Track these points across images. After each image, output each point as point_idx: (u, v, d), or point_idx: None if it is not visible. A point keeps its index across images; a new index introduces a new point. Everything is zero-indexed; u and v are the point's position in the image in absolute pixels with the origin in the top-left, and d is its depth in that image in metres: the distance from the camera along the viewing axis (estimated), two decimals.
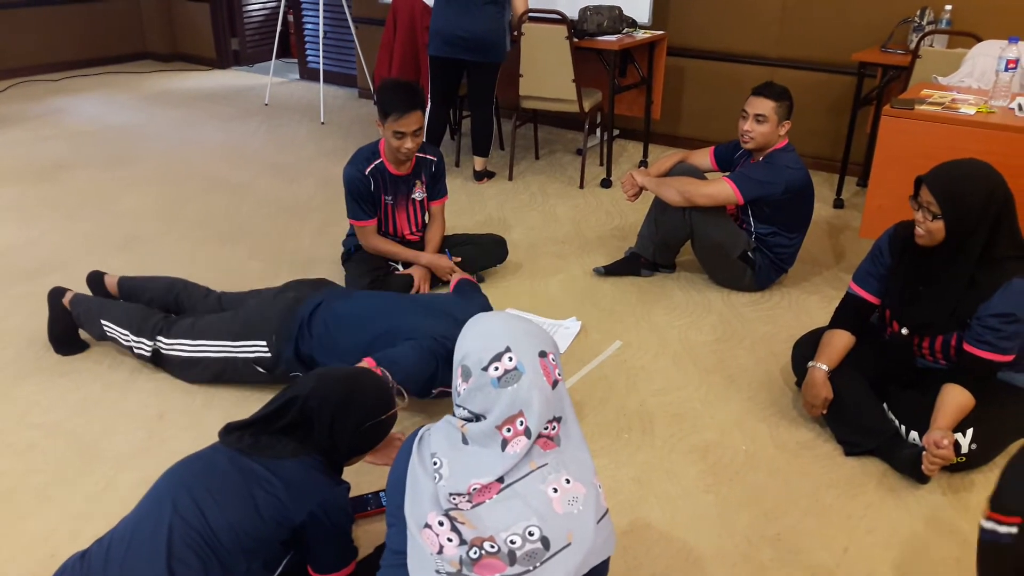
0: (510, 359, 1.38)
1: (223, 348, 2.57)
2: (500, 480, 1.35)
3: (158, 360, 2.68)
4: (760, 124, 3.11)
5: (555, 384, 1.40)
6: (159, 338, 2.63)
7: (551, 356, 1.42)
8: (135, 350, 2.69)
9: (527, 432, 1.36)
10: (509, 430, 1.36)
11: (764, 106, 3.10)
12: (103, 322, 2.73)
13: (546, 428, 1.38)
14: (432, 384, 2.38)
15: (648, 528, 2.10)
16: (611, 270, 3.50)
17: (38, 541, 2.03)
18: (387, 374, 1.96)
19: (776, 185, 3.12)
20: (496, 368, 1.38)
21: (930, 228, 2.21)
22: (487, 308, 2.67)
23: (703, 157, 3.50)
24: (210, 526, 1.55)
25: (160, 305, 2.82)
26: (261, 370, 2.56)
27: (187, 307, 2.80)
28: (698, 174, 3.35)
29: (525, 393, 1.36)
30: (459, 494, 1.36)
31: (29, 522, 2.10)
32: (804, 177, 3.17)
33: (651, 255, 3.45)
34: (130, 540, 1.57)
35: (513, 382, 1.37)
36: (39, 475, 2.27)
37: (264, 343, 2.52)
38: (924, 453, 2.17)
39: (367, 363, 2.27)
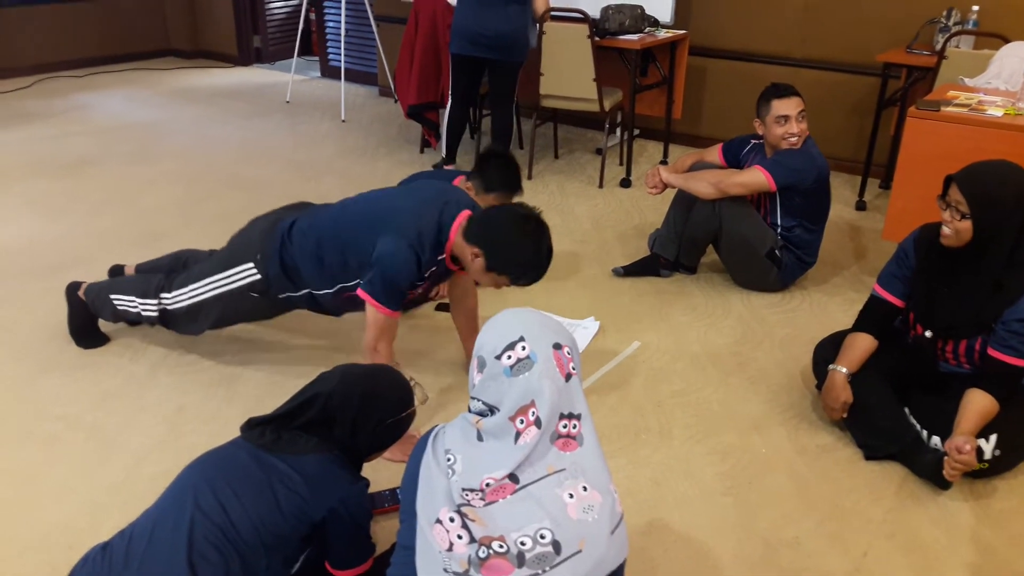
0: (523, 348, 1.38)
1: (216, 282, 2.57)
2: (515, 480, 1.34)
3: (166, 319, 2.70)
4: (803, 120, 3.15)
5: (568, 377, 1.39)
6: (162, 295, 2.66)
7: (566, 349, 1.41)
8: (143, 314, 2.71)
9: (538, 422, 1.35)
10: (522, 421, 1.35)
11: (799, 103, 3.14)
12: (112, 296, 2.75)
13: (564, 427, 1.37)
14: (420, 268, 2.31)
15: (665, 529, 2.09)
16: (630, 270, 3.49)
17: (58, 532, 2.05)
18: (404, 370, 1.96)
19: (809, 172, 3.13)
20: (509, 357, 1.38)
21: (958, 228, 2.18)
22: (463, 193, 2.51)
23: (713, 155, 3.51)
24: (231, 521, 1.56)
25: (169, 273, 2.84)
26: (255, 295, 2.55)
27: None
28: None
29: (536, 382, 1.35)
30: (472, 490, 1.35)
31: (49, 513, 2.12)
32: (828, 166, 3.21)
33: (673, 255, 3.43)
34: (151, 534, 1.58)
35: (525, 371, 1.36)
36: (60, 467, 2.30)
37: (251, 264, 2.52)
38: (946, 458, 2.15)
39: (359, 295, 2.30)
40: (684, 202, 3.34)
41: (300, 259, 2.47)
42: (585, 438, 1.39)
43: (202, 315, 2.63)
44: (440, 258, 2.36)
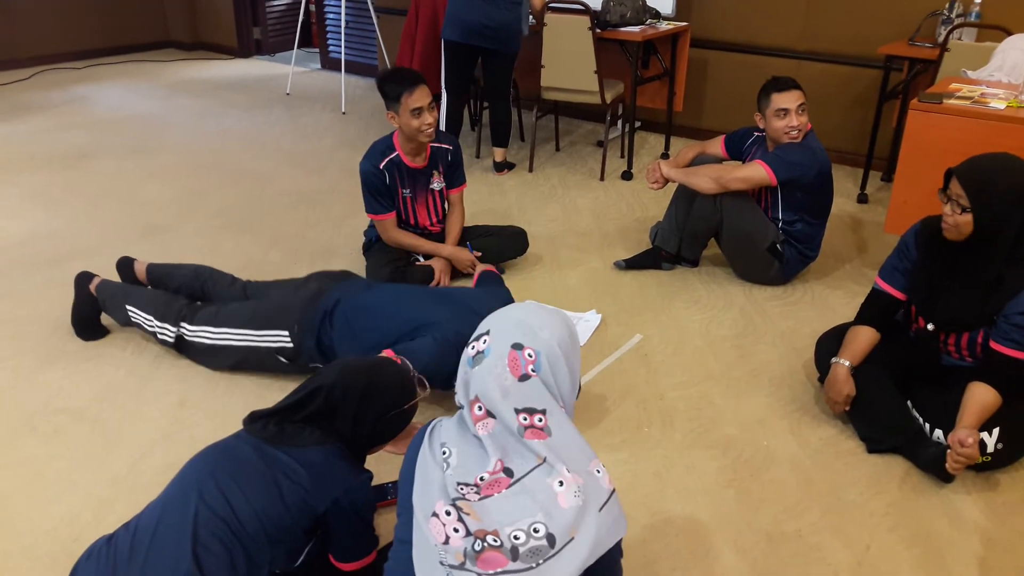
0: (484, 342, 1.43)
1: (245, 337, 2.58)
2: (510, 474, 1.36)
3: (181, 346, 2.70)
4: (804, 113, 3.14)
5: (524, 378, 1.39)
6: (183, 325, 2.65)
7: (528, 352, 1.40)
8: (159, 336, 2.71)
9: (489, 414, 1.39)
10: (480, 408, 1.40)
11: (800, 96, 3.13)
12: (128, 308, 2.76)
13: (525, 419, 1.38)
14: (453, 377, 2.37)
15: (667, 522, 2.09)
16: (632, 263, 3.48)
17: (62, 525, 2.06)
18: (407, 363, 1.96)
19: (810, 167, 3.12)
20: (472, 348, 1.45)
21: (958, 221, 2.18)
22: (509, 301, 2.66)
23: (715, 147, 3.50)
24: (235, 514, 1.56)
25: (187, 292, 2.85)
26: (283, 359, 2.57)
27: (212, 295, 2.82)
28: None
29: (481, 376, 1.40)
30: (466, 484, 1.37)
31: (53, 506, 2.12)
32: (829, 160, 3.20)
33: (675, 248, 3.43)
34: (156, 526, 1.58)
35: (478, 364, 1.42)
36: (63, 460, 2.30)
37: (286, 333, 2.54)
38: (948, 451, 2.15)
39: (387, 354, 2.27)
40: (685, 196, 3.33)
41: (338, 342, 2.50)
42: (553, 429, 1.39)
43: (221, 356, 2.65)
44: None
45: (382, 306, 2.52)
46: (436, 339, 2.36)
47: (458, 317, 2.45)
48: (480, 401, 1.40)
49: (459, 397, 1.47)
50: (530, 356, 1.41)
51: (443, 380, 2.35)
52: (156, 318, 2.70)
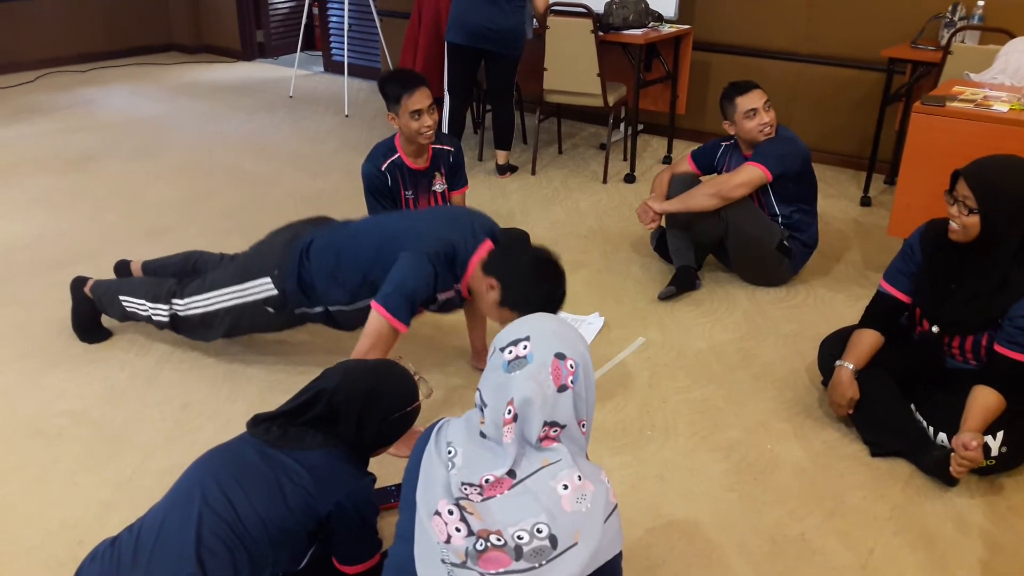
0: (524, 347, 1.40)
1: (232, 294, 2.58)
2: (512, 476, 1.36)
3: (176, 325, 2.70)
4: (771, 109, 3.21)
5: (562, 388, 1.39)
6: (174, 301, 2.66)
7: (570, 362, 1.41)
8: (154, 318, 2.71)
9: (515, 418, 1.37)
10: (509, 411, 1.37)
11: (762, 94, 3.22)
12: (121, 298, 2.76)
13: (543, 431, 1.38)
14: (436, 289, 2.33)
15: (671, 526, 2.09)
16: (671, 294, 3.29)
17: (66, 528, 2.06)
18: (410, 365, 1.96)
19: (796, 156, 3.18)
20: (510, 352, 1.41)
21: (965, 223, 2.18)
22: (487, 219, 2.51)
23: (684, 165, 3.48)
24: (239, 516, 1.57)
25: (180, 277, 2.85)
26: (271, 309, 2.57)
27: (202, 272, 2.82)
28: (696, 182, 3.32)
29: (522, 381, 1.37)
30: (471, 484, 1.37)
31: (57, 509, 2.12)
32: (807, 147, 3.27)
33: (694, 260, 3.37)
34: (160, 529, 1.58)
35: (518, 369, 1.39)
36: (67, 462, 2.30)
37: (268, 279, 2.53)
38: (952, 455, 2.14)
39: (372, 306, 2.28)
40: (678, 219, 3.31)
41: (317, 277, 2.49)
42: (564, 441, 1.40)
43: (215, 324, 2.64)
44: (456, 286, 2.40)
45: (355, 234, 2.50)
46: (407, 258, 2.30)
47: (431, 226, 2.39)
48: (513, 405, 1.37)
49: (487, 398, 1.42)
50: (571, 367, 1.41)
51: (430, 296, 2.33)
52: (149, 301, 2.70)
